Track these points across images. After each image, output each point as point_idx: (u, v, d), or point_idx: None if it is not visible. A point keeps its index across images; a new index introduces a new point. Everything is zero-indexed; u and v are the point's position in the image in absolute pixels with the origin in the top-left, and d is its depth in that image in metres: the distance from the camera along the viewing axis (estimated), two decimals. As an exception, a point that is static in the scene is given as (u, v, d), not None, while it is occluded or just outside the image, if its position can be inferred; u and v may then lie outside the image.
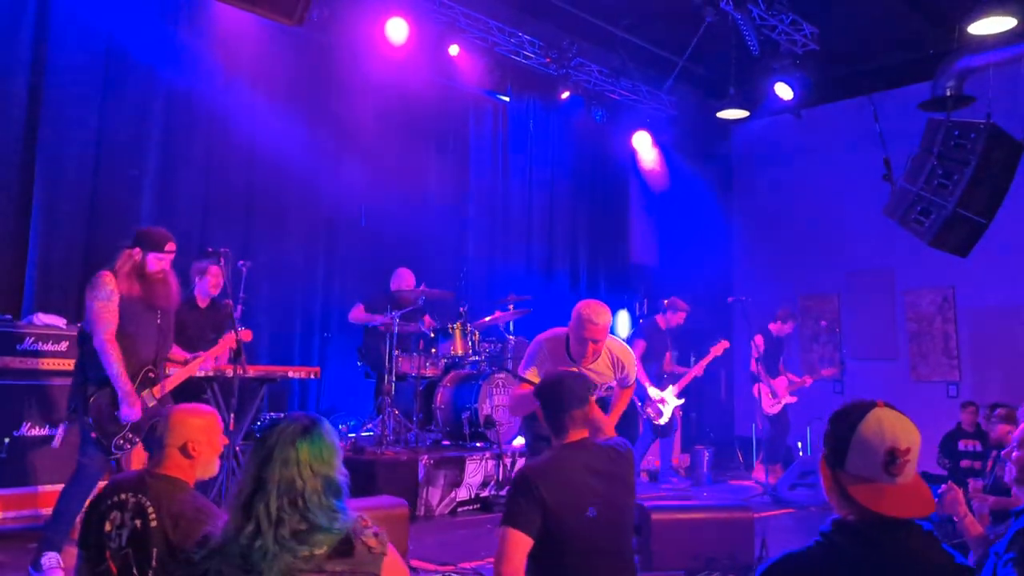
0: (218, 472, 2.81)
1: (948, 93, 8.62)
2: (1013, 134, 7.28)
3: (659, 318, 8.15)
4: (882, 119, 8.60)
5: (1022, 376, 9.39)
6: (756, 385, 8.67)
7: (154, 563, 2.38)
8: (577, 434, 2.85)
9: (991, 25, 7.60)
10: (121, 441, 4.22)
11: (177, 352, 4.72)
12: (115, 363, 4.11)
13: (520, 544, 2.63)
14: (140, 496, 2.46)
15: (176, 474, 2.58)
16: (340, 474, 1.95)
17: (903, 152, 7.96)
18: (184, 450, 2.57)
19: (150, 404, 4.30)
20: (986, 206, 7.43)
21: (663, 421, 7.74)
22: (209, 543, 1.90)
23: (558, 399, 2.84)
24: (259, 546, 1.80)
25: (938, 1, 8.73)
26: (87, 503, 2.60)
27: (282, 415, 2.02)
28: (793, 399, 8.75)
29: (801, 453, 9.80)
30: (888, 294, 10.57)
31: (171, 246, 4.39)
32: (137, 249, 4.32)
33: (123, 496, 2.47)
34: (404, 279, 7.43)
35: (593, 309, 4.22)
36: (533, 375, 4.32)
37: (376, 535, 1.92)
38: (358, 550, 1.87)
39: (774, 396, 8.54)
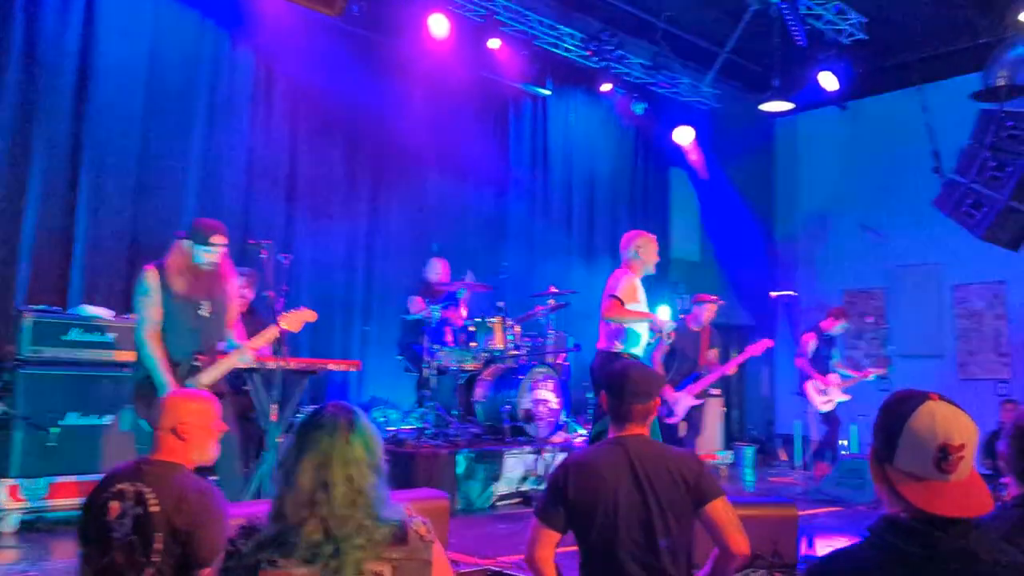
0: (214, 455, 2.78)
1: (1001, 83, 8.38)
2: (1068, 124, 7.06)
3: (688, 318, 7.88)
4: (931, 110, 8.41)
5: (1076, 374, 9.14)
6: (805, 383, 8.51)
7: (158, 546, 2.39)
8: (635, 428, 2.79)
9: (1047, 12, 7.36)
10: None
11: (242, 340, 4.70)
12: (152, 357, 4.19)
13: (545, 536, 2.67)
14: (138, 484, 2.47)
15: (171, 458, 2.60)
16: (385, 462, 1.95)
17: (952, 144, 7.78)
18: (176, 432, 2.60)
19: None
20: (1040, 199, 7.22)
21: (672, 421, 7.41)
22: (257, 535, 1.87)
23: (620, 390, 2.80)
24: (329, 545, 1.80)
25: (990, -12, 8.48)
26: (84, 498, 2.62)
27: (321, 407, 2.00)
28: (847, 396, 8.57)
29: (846, 451, 9.64)
30: (936, 289, 10.33)
31: (218, 238, 4.38)
32: (188, 241, 4.36)
33: (121, 486, 2.48)
34: (439, 270, 7.41)
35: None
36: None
37: (424, 523, 1.93)
38: (411, 537, 1.87)
39: (825, 394, 8.37)
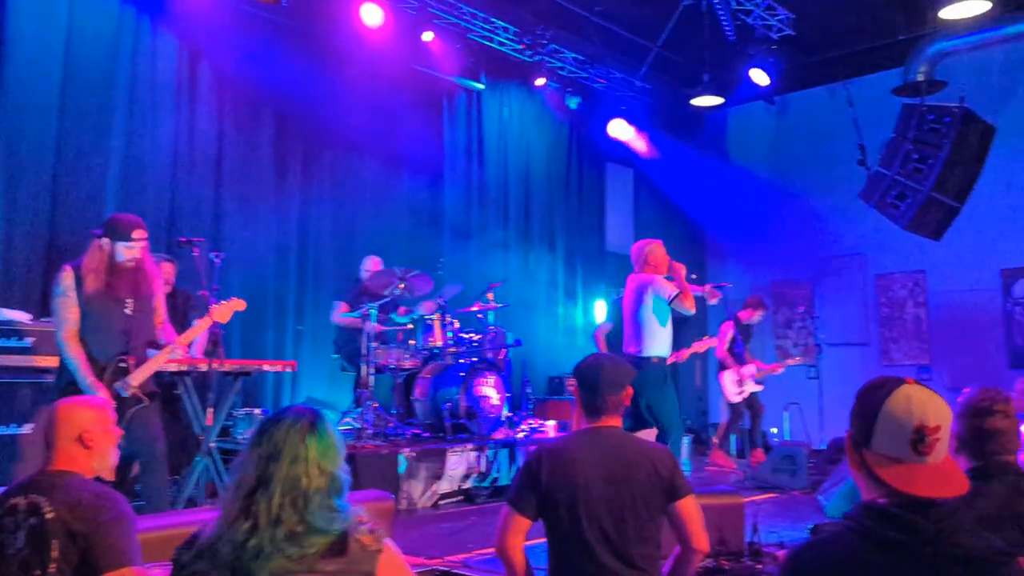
0: (114, 463, 2.69)
1: (921, 78, 8.68)
2: (985, 118, 7.35)
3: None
4: (856, 105, 8.64)
5: (990, 359, 9.53)
6: (721, 372, 8.67)
7: (55, 554, 2.31)
8: (609, 420, 2.81)
9: (963, 9, 7.65)
10: None
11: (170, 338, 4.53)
12: (73, 358, 4.07)
13: (516, 523, 2.68)
14: (31, 495, 2.39)
15: (71, 467, 2.51)
16: (344, 472, 1.87)
17: (877, 138, 8.01)
18: (82, 441, 2.53)
19: (128, 393, 4.18)
20: (960, 190, 7.51)
21: None
22: (197, 542, 1.82)
23: (594, 383, 2.80)
24: (252, 545, 1.72)
25: (910, -14, 8.75)
26: None
27: (290, 405, 1.93)
28: (759, 387, 8.75)
29: (777, 439, 9.86)
30: (860, 279, 10.65)
31: (139, 233, 4.24)
32: (106, 239, 4.19)
33: (14, 501, 2.40)
34: (374, 267, 7.27)
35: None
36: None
37: (372, 532, 1.84)
38: (352, 548, 1.78)
39: (739, 384, 8.53)
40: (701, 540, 2.67)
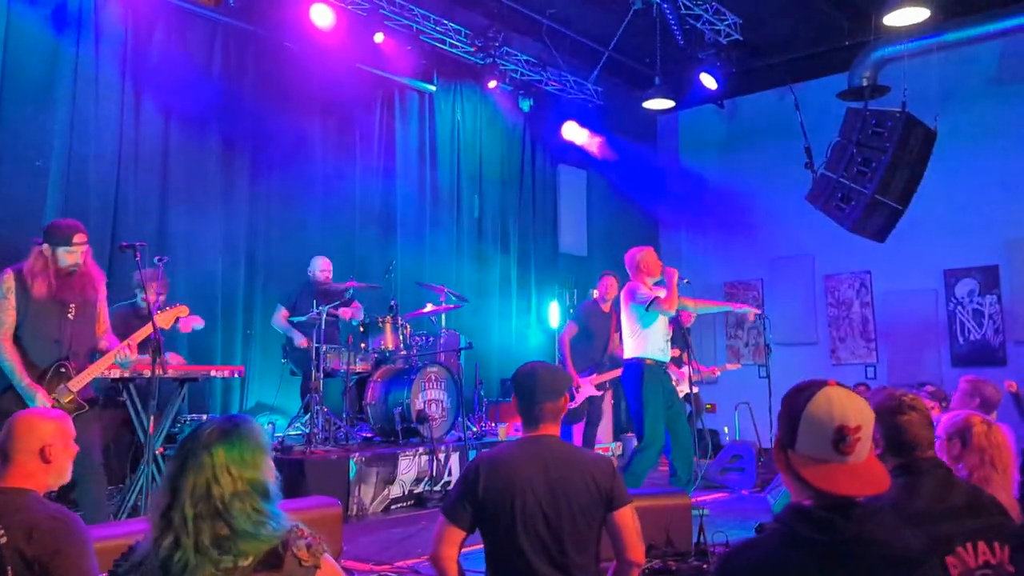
0: (69, 477, 2.62)
1: (865, 83, 8.87)
2: (926, 122, 7.53)
3: (598, 298, 7.84)
4: (803, 109, 8.78)
5: (934, 358, 9.78)
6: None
7: None
8: (547, 428, 2.79)
9: (905, 16, 7.82)
10: None
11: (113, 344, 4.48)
12: (7, 360, 4.04)
13: (451, 534, 2.67)
14: None
15: (24, 484, 2.42)
16: (267, 476, 1.84)
17: (823, 141, 8.16)
18: (43, 455, 2.44)
19: (65, 399, 4.14)
20: (903, 192, 7.66)
21: (572, 405, 7.47)
22: (132, 556, 1.80)
23: (530, 391, 2.79)
24: (178, 558, 1.70)
25: (855, -8, 8.93)
26: None
27: (204, 419, 1.91)
28: (694, 389, 8.83)
29: (727, 438, 9.98)
30: (809, 280, 10.84)
31: (80, 237, 4.23)
32: (46, 245, 4.18)
33: None
34: (323, 268, 7.20)
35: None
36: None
37: (310, 547, 1.80)
38: (287, 563, 1.75)
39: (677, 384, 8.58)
40: (637, 551, 2.68)
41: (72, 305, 4.23)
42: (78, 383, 4.22)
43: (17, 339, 4.12)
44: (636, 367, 5.96)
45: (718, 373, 8.94)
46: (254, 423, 1.90)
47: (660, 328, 6.06)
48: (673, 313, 6.14)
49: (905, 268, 9.85)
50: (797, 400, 1.71)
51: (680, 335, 8.74)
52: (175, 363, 5.39)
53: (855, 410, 1.67)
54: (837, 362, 10.51)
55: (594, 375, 7.50)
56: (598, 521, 2.67)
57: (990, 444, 2.58)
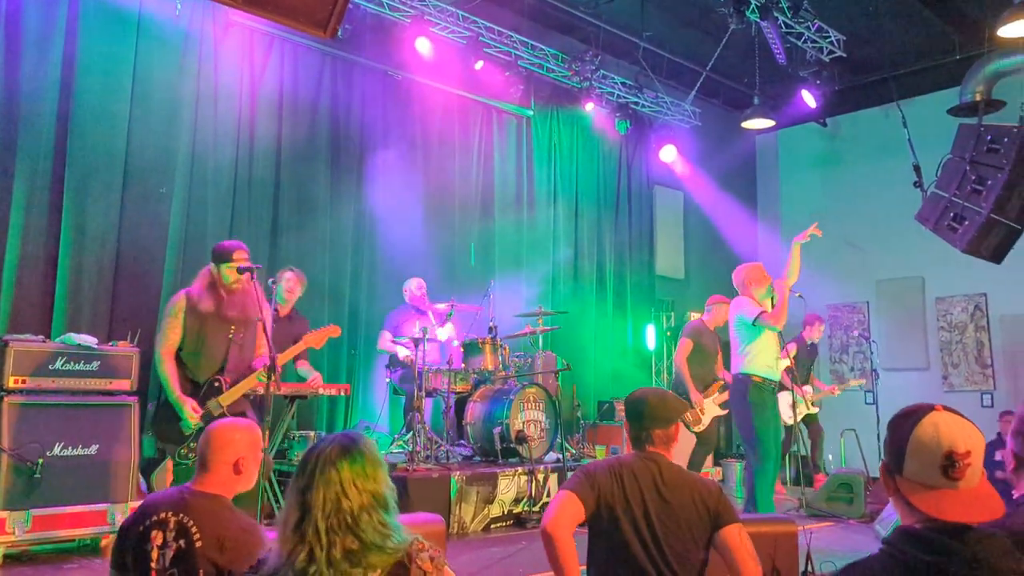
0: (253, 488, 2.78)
1: (978, 97, 8.51)
2: (1046, 138, 7.17)
3: (704, 318, 7.64)
4: (910, 125, 8.50)
5: (1059, 384, 9.23)
6: (780, 394, 8.49)
7: None
8: (656, 451, 2.82)
9: (1021, 28, 7.49)
10: (185, 451, 4.42)
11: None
12: (164, 373, 4.43)
13: (570, 505, 2.63)
14: (182, 515, 2.42)
15: (218, 491, 2.56)
16: (388, 489, 1.91)
17: (932, 159, 7.87)
18: (236, 467, 2.57)
19: (216, 413, 4.44)
20: (1021, 211, 7.31)
21: (700, 429, 7.36)
22: (263, 569, 1.87)
23: (639, 416, 2.84)
24: (313, 571, 1.76)
25: (965, 5, 8.63)
26: (121, 524, 2.57)
27: (321, 435, 2.00)
28: (815, 409, 8.58)
29: (834, 465, 9.65)
30: (918, 303, 10.42)
31: (240, 255, 4.55)
32: (212, 264, 4.58)
33: (163, 515, 2.42)
34: (418, 287, 7.39)
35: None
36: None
37: (432, 559, 1.85)
38: (413, 573, 1.80)
39: (792, 407, 8.34)
40: (753, 570, 2.60)
41: (234, 325, 4.57)
42: (229, 397, 4.55)
43: (180, 355, 4.50)
44: (743, 383, 5.85)
45: (838, 392, 8.69)
46: (370, 439, 1.97)
47: (768, 344, 5.93)
48: (780, 328, 6.02)
49: (1024, 290, 9.37)
50: (903, 425, 1.69)
51: (805, 353, 8.53)
52: (317, 383, 5.62)
53: (964, 435, 1.64)
54: (950, 388, 10.05)
55: (716, 394, 7.39)
56: (704, 539, 2.66)
57: None
